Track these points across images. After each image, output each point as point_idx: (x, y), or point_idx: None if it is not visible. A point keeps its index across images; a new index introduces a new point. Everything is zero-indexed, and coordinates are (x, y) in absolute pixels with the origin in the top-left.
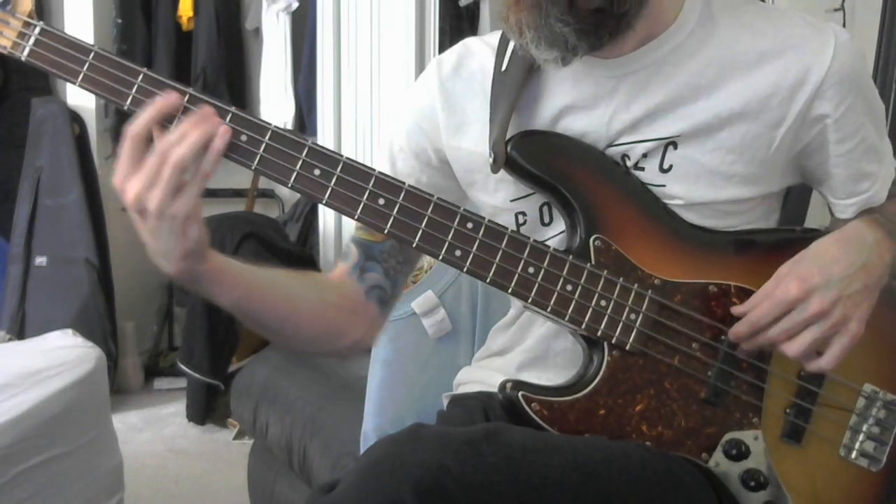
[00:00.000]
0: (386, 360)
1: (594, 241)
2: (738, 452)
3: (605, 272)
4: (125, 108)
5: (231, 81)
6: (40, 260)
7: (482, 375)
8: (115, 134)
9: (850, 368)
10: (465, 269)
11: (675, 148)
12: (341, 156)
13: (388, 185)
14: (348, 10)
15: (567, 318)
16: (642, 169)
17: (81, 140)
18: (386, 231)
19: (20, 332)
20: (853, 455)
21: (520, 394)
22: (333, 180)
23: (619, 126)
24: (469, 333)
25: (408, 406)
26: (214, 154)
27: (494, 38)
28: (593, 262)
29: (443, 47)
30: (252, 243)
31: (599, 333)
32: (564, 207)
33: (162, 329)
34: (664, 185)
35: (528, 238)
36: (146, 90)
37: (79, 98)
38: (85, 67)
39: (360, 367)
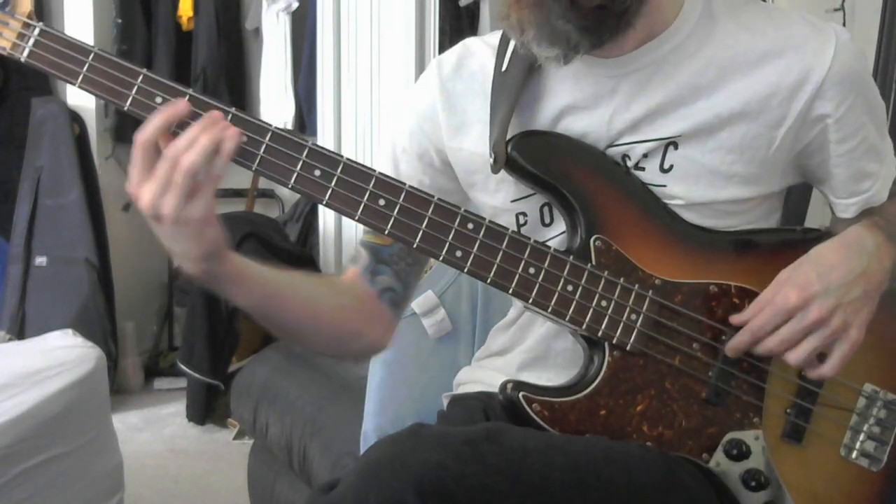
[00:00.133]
0: (386, 360)
1: (595, 241)
2: (739, 452)
3: (606, 273)
4: (125, 108)
5: (231, 81)
6: (40, 260)
7: (482, 375)
8: (115, 134)
9: (850, 368)
10: (465, 270)
11: (676, 148)
12: (341, 156)
13: (388, 185)
14: (348, 10)
15: (568, 318)
16: (643, 169)
17: (81, 140)
18: (386, 232)
19: (20, 332)
20: (854, 455)
21: (521, 394)
22: (334, 181)
23: (619, 126)
24: (469, 333)
25: (408, 406)
26: (225, 157)
27: (495, 38)
28: (594, 263)
29: (443, 47)
30: (252, 243)
31: (600, 334)
32: (565, 208)
33: (162, 329)
34: (665, 186)
35: (529, 239)
36: (146, 91)
37: (79, 98)
38: (84, 68)
39: (360, 367)
